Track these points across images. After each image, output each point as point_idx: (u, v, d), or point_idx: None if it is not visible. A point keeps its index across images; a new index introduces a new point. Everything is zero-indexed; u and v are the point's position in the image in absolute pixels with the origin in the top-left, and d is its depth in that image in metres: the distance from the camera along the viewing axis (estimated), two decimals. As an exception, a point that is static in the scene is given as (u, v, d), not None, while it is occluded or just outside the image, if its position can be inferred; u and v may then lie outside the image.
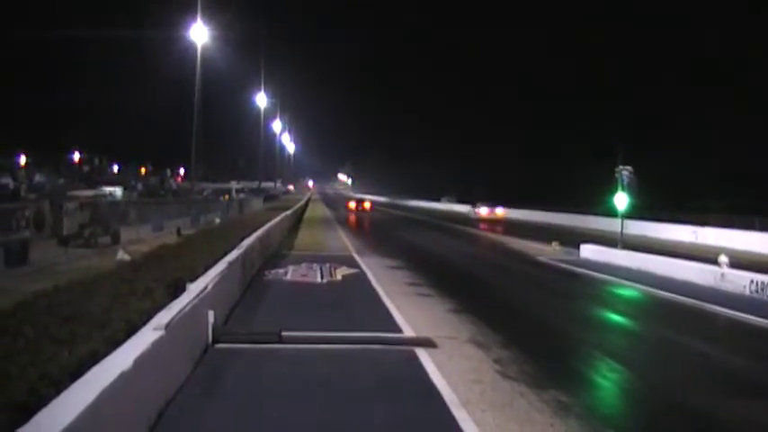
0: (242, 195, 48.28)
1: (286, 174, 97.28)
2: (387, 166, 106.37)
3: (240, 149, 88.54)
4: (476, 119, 65.83)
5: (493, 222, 33.20)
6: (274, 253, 13.89)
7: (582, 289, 11.20)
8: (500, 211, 36.28)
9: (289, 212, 23.31)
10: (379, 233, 23.96)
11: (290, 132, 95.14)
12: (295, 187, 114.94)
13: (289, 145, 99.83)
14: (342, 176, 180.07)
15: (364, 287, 9.90)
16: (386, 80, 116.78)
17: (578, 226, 28.74)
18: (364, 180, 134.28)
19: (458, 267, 14.01)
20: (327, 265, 12.09)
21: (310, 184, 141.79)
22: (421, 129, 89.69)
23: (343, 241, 18.55)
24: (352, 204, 44.46)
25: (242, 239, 10.51)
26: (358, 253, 14.91)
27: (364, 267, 12.13)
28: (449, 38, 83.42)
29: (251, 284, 9.53)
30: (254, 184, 62.17)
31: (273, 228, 15.20)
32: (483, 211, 36.50)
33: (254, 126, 55.52)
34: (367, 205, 43.76)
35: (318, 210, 45.87)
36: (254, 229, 12.68)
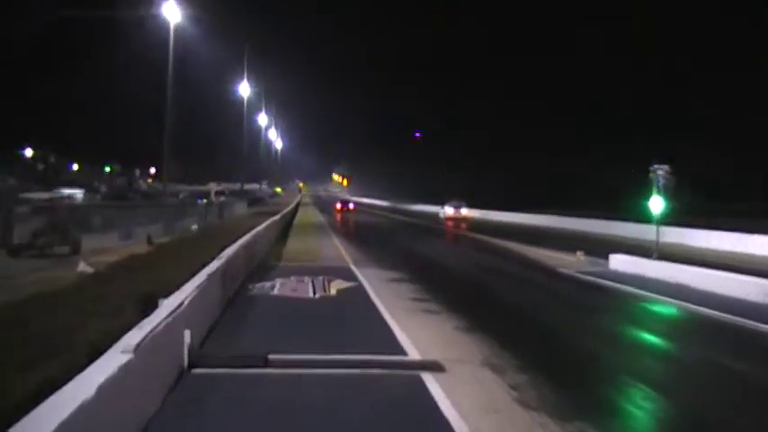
0: (222, 198, 48.30)
1: (273, 174, 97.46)
2: (387, 167, 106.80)
3: (221, 147, 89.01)
4: (487, 116, 67.66)
5: (458, 221, 39.01)
6: (260, 264, 13.91)
7: (611, 305, 11.20)
8: (465, 211, 42.58)
9: (276, 218, 23.46)
10: (380, 241, 24.09)
11: (277, 127, 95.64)
12: (284, 189, 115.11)
13: (276, 141, 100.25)
14: (336, 177, 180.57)
15: (363, 303, 9.92)
16: (386, 72, 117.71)
17: (606, 233, 28.79)
18: (362, 181, 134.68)
19: (469, 280, 14.05)
20: (321, 278, 12.12)
21: (301, 185, 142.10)
22: (428, 126, 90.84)
23: (339, 250, 18.64)
24: (338, 205, 54.96)
25: (223, 249, 10.56)
26: (355, 264, 14.97)
27: (363, 280, 12.17)
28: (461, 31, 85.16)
29: (233, 300, 9.54)
30: (237, 186, 62.18)
31: (259, 235, 15.27)
32: (449, 210, 42.39)
33: (237, 120, 55.71)
34: (351, 206, 54.82)
35: (310, 214, 46.18)
36: (237, 237, 12.73)
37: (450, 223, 40.10)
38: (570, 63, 54.34)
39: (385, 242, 23.99)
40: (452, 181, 66.95)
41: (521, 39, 64.59)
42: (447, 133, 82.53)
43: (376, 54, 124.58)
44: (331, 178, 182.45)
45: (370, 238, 26.07)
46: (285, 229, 26.67)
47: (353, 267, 14.24)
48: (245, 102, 52.80)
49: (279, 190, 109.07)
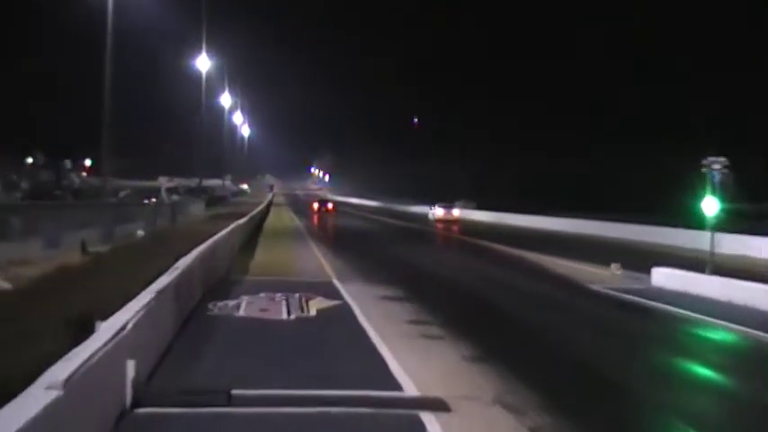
0: (175, 197, 48.23)
1: (239, 168, 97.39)
2: (378, 162, 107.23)
3: (174, 134, 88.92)
4: (497, 104, 69.77)
5: (449, 223, 43.96)
6: (222, 278, 14.03)
7: (656, 330, 11.26)
8: (456, 213, 47.86)
9: (242, 221, 23.59)
10: (369, 249, 24.29)
11: (244, 111, 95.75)
12: (252, 186, 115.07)
13: (243, 127, 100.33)
14: (317, 172, 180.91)
15: (348, 326, 9.99)
16: (376, 51, 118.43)
17: (644, 241, 29.10)
18: (348, 178, 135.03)
19: (478, 298, 14.15)
20: (297, 295, 12.21)
21: (273, 181, 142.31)
22: (425, 115, 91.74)
23: (319, 261, 18.78)
24: (315, 205, 59.43)
25: (176, 259, 10.59)
26: (339, 278, 15.10)
27: (348, 298, 12.27)
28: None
29: (190, 322, 9.60)
30: (194, 182, 62.12)
31: (221, 243, 15.34)
32: (439, 212, 47.20)
33: (195, 101, 55.69)
34: (330, 206, 59.58)
35: (284, 217, 46.51)
36: (194, 245, 12.73)
37: (439, 226, 43.38)
38: (573, 62, 60.54)
39: (375, 251, 24.11)
40: (454, 180, 68.17)
41: (522, 37, 70.91)
42: (446, 125, 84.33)
43: (367, 43, 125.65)
44: (310, 174, 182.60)
45: (356, 245, 26.29)
46: (253, 235, 26.72)
47: (337, 282, 14.36)
48: (204, 78, 52.87)
49: (245, 187, 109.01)
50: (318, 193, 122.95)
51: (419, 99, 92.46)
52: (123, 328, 5.78)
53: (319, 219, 48.92)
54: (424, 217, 50.36)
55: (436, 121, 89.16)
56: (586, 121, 56.86)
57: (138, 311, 6.48)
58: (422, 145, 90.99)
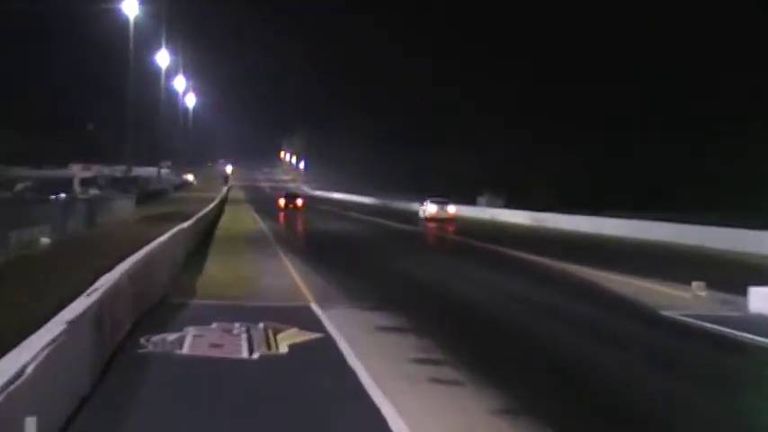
0: (95, 191, 48.04)
1: (182, 152, 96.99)
2: (369, 146, 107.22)
3: (91, 107, 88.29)
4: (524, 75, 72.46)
5: (443, 222, 48.91)
6: (161, 301, 14.08)
7: (760, 375, 11.19)
8: (451, 210, 52.24)
9: (188, 224, 23.58)
10: (361, 262, 24.48)
11: (188, 76, 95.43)
12: (200, 176, 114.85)
13: (187, 97, 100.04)
14: (286, 157, 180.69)
15: (333, 368, 9.96)
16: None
17: (734, 250, 29.20)
18: (329, 165, 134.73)
19: (509, 328, 14.15)
20: (262, 325, 12.23)
21: (229, 169, 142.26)
22: (428, 85, 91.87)
23: (292, 278, 18.87)
24: (282, 201, 64.96)
25: (96, 277, 10.50)
26: (320, 301, 15.16)
27: (332, 329, 12.28)
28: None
29: (114, 363, 9.54)
30: (119, 171, 61.93)
31: (158, 253, 15.35)
32: (431, 209, 51.67)
33: (119, 59, 55.46)
34: (299, 202, 65.35)
35: (244, 218, 46.87)
36: (120, 257, 12.68)
37: (431, 225, 48.01)
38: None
39: (366, 262, 24.25)
40: (471, 171, 68.34)
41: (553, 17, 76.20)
42: (458, 102, 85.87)
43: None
44: (279, 160, 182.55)
45: (341, 255, 26.43)
46: (203, 242, 26.90)
47: (316, 307, 14.40)
48: (132, 24, 52.55)
49: (191, 178, 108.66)
50: (291, 186, 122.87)
51: (419, 66, 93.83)
52: (21, 372, 5.66)
53: (291, 219, 49.38)
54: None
55: (444, 94, 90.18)
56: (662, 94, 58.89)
57: (41, 350, 6.34)
58: (423, 129, 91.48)
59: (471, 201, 62.38)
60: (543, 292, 19.02)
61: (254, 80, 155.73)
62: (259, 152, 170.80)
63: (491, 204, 58.70)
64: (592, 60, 67.85)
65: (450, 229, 44.67)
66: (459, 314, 15.43)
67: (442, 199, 53.08)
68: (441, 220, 49.59)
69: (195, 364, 10.03)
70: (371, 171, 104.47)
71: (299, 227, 45.01)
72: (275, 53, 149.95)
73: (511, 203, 56.26)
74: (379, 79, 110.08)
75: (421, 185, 72.53)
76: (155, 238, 16.59)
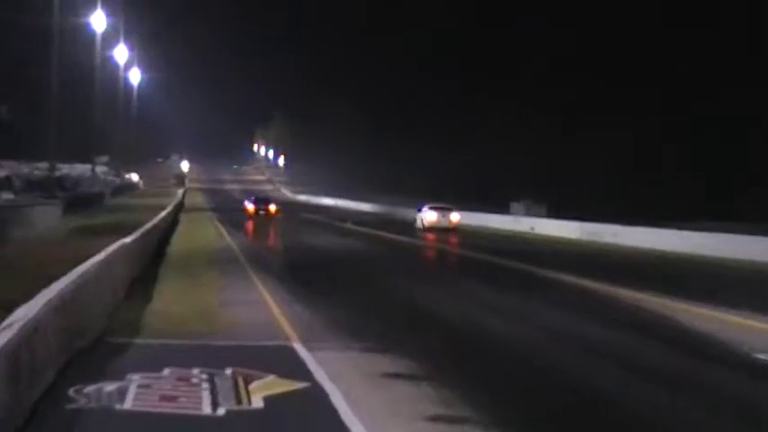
0: (8, 197, 47.99)
1: (125, 144, 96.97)
2: (368, 138, 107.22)
3: (7, 89, 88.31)
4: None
5: (445, 232, 52.48)
6: (96, 341, 13.89)
7: None
8: (455, 218, 56.18)
9: (131, 240, 23.41)
10: (358, 286, 24.76)
11: (130, 46, 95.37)
12: (148, 176, 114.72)
13: (131, 72, 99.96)
14: (263, 153, 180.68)
15: (322, 429, 9.93)
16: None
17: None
18: (316, 161, 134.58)
19: (555, 374, 13.93)
20: (229, 372, 12.09)
21: (185, 167, 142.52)
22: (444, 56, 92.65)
23: (269, 309, 18.79)
24: (250, 207, 68.94)
25: (9, 310, 10.46)
26: (306, 339, 14.93)
27: (322, 376, 12.11)
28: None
29: (34, 424, 9.35)
30: (40, 170, 61.84)
31: (91, 279, 15.05)
32: (430, 216, 55.75)
33: (44, 30, 55.47)
34: (272, 208, 69.66)
35: (205, 231, 47.57)
36: (42, 284, 12.46)
37: (430, 237, 50.94)
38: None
39: (365, 286, 24.51)
40: (504, 171, 69.01)
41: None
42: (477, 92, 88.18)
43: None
44: (252, 155, 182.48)
45: (331, 278, 26.64)
46: (151, 263, 26.99)
47: (300, 347, 14.21)
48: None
49: (136, 178, 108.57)
50: (267, 188, 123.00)
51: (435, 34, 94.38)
52: None
53: (266, 233, 50.37)
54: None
55: (469, 72, 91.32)
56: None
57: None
58: (439, 117, 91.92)
59: (502, 207, 63.08)
60: (590, 323, 19.08)
61: (219, 54, 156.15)
62: (226, 145, 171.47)
63: (530, 212, 59.40)
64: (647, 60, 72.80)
65: (454, 240, 47.15)
66: (485, 354, 15.28)
67: (444, 205, 57.23)
68: (442, 230, 52.92)
69: (141, 422, 9.86)
70: (371, 170, 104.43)
71: (278, 242, 45.42)
72: (245, 22, 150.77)
73: (558, 211, 56.94)
74: (377, 52, 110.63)
75: (434, 190, 72.72)
76: (88, 258, 16.33)
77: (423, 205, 57.95)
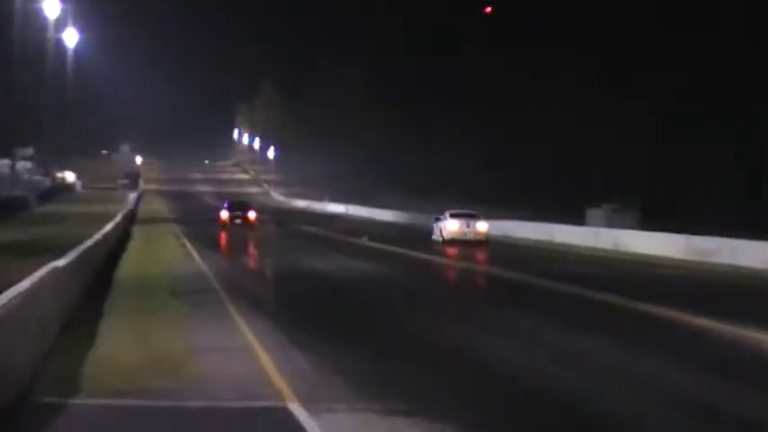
0: None
1: (56, 132, 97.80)
2: (390, 117, 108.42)
3: None
4: None
5: (470, 246, 55.14)
6: (17, 401, 13.41)
7: None
8: (483, 228, 58.41)
9: (65, 263, 23.09)
10: (374, 325, 24.95)
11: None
12: (86, 176, 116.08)
13: (66, 33, 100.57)
14: (245, 142, 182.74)
15: None
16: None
17: None
18: (315, 152, 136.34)
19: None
20: None
21: (139, 162, 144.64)
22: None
23: (255, 357, 18.21)
24: (224, 215, 69.46)
25: None
26: (306, 398, 14.30)
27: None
28: None
29: None
30: None
31: (11, 315, 14.52)
32: (452, 226, 58.36)
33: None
34: (251, 215, 71.20)
35: (166, 251, 47.91)
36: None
37: (451, 252, 52.05)
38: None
39: (384, 325, 24.68)
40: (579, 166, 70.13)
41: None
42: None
43: None
44: (230, 145, 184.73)
45: (338, 314, 26.94)
46: (93, 294, 26.85)
47: (297, 409, 13.63)
48: None
49: (72, 178, 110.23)
50: (253, 191, 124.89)
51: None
52: None
53: (247, 252, 51.00)
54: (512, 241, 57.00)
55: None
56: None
57: None
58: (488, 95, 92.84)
59: (575, 215, 62.23)
60: (718, 380, 18.36)
61: (187, 8, 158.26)
62: (195, 132, 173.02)
63: (614, 222, 58.25)
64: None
65: (481, 257, 49.14)
66: (566, 425, 14.18)
67: (468, 211, 59.49)
68: (466, 243, 54.97)
69: None
70: (394, 166, 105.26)
71: (267, 266, 45.31)
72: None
73: (653, 221, 56.54)
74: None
75: (485, 192, 73.49)
76: (6, 289, 15.68)
77: (443, 212, 59.82)
